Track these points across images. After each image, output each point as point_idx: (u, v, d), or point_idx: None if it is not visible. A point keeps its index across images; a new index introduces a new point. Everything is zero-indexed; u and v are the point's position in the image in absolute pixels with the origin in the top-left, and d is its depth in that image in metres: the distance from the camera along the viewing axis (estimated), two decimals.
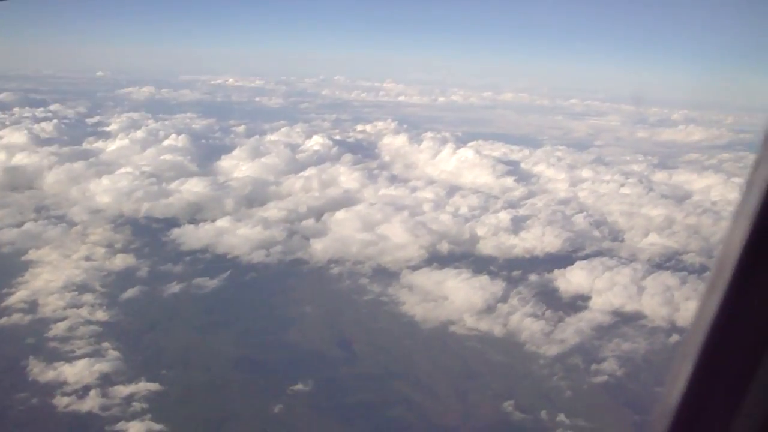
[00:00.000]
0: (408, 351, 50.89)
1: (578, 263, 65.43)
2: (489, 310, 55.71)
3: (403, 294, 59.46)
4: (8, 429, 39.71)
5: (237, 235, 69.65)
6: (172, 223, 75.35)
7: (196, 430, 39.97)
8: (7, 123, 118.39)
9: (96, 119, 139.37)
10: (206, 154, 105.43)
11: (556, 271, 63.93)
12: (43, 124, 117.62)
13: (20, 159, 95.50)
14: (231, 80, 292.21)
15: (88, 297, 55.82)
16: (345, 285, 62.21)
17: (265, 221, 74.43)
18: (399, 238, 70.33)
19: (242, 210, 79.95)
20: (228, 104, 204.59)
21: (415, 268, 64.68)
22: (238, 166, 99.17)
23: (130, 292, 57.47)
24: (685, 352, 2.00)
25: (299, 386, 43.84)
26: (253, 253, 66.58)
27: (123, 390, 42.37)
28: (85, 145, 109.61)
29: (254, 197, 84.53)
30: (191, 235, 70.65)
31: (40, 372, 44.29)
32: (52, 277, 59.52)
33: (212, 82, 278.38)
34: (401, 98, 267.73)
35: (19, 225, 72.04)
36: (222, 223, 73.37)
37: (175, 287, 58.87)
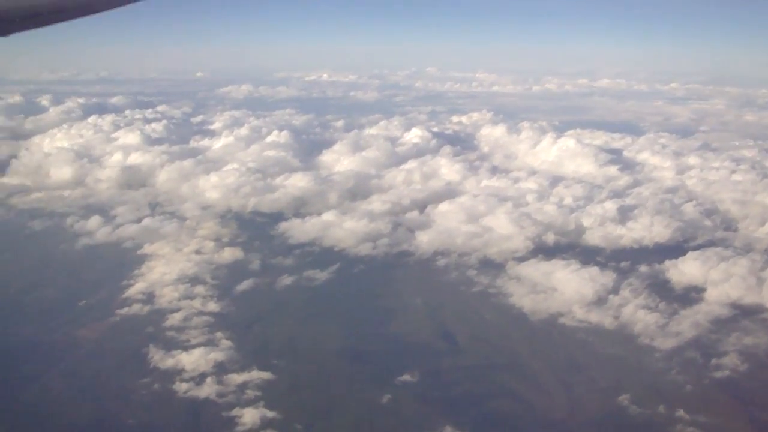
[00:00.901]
0: (517, 343, 50.36)
1: (690, 254, 63.17)
2: (600, 301, 54.55)
3: (510, 286, 59.01)
4: (134, 410, 41.55)
5: (343, 228, 70.95)
6: (278, 217, 77.62)
7: (307, 418, 40.66)
8: (122, 125, 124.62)
9: (200, 118, 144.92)
10: (308, 149, 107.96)
11: (667, 262, 61.91)
12: (154, 125, 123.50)
13: (135, 158, 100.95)
14: (325, 76, 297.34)
15: (200, 289, 58.18)
16: (452, 277, 62.26)
17: (370, 214, 75.44)
18: (504, 229, 69.92)
19: (346, 203, 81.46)
20: (324, 99, 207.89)
21: (521, 259, 64.18)
22: (340, 161, 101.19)
23: (244, 284, 59.52)
24: None
25: (406, 377, 44.36)
26: (360, 245, 67.73)
27: (237, 378, 43.95)
28: (192, 144, 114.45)
29: (357, 190, 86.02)
30: (298, 229, 72.42)
31: (160, 359, 46.58)
32: (166, 270, 62.38)
33: (306, 79, 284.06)
34: (495, 88, 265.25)
35: (137, 221, 76.07)
36: (328, 216, 74.80)
37: (287, 279, 60.57)
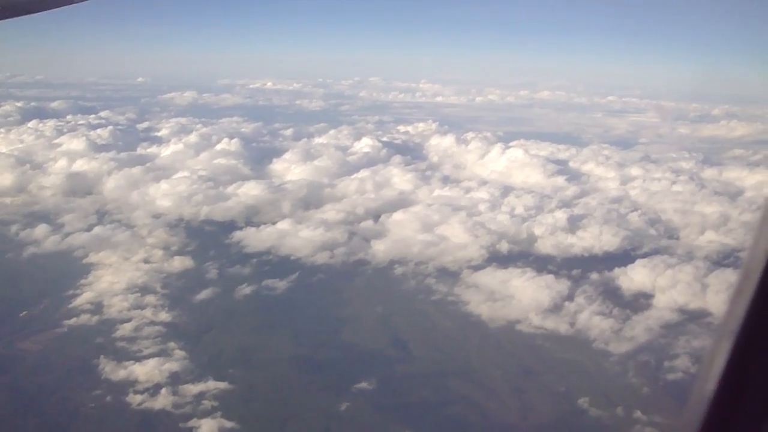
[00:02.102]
0: (474, 350, 51.03)
1: (639, 261, 65.05)
2: (556, 308, 55.71)
3: (468, 294, 59.57)
4: (85, 425, 40.59)
5: (299, 237, 70.52)
6: (231, 226, 76.45)
7: (265, 427, 40.41)
8: (64, 130, 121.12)
9: (146, 125, 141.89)
10: (258, 157, 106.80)
11: (617, 270, 63.59)
12: (99, 131, 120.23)
13: (80, 165, 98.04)
14: (269, 83, 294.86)
15: (150, 298, 57.23)
16: (410, 285, 62.57)
17: (325, 223, 75.23)
18: (458, 238, 70.61)
19: (299, 212, 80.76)
20: (270, 107, 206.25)
21: (476, 267, 64.79)
22: (291, 169, 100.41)
23: (203, 294, 58.70)
24: (717, 349, 2.04)
25: (363, 384, 44.59)
26: (317, 254, 67.39)
27: (192, 388, 43.34)
28: (140, 151, 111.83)
29: (310, 199, 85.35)
30: (254, 238, 71.65)
31: (112, 371, 45.50)
32: (114, 279, 61.08)
33: (251, 86, 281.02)
34: (439, 98, 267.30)
35: (87, 229, 73.96)
36: (283, 225, 74.30)
37: (246, 289, 59.90)
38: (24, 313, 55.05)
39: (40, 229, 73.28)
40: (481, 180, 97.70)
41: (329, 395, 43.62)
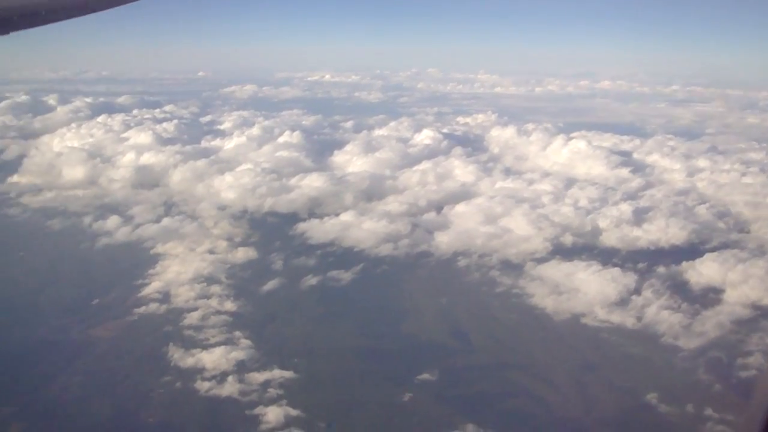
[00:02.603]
0: (539, 343, 50.57)
1: (708, 255, 63.21)
2: (622, 302, 54.73)
3: (532, 286, 59.13)
4: (154, 409, 41.71)
5: (362, 229, 71.02)
6: (294, 217, 77.63)
7: (329, 416, 40.67)
8: (131, 124, 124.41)
9: (209, 118, 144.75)
10: (319, 149, 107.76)
11: (685, 264, 61.96)
12: (165, 125, 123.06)
13: (148, 158, 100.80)
14: (327, 76, 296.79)
15: (216, 288, 58.36)
16: (474, 277, 62.32)
17: (388, 215, 75.48)
18: (522, 230, 70.12)
19: (362, 204, 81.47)
20: (329, 100, 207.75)
21: (540, 260, 64.21)
22: (352, 161, 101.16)
23: (269, 284, 59.64)
24: None
25: (426, 376, 44.53)
26: (380, 246, 67.76)
27: (258, 377, 44.10)
28: (204, 144, 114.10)
29: (372, 191, 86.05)
30: (318, 229, 72.44)
31: (180, 358, 46.74)
32: (181, 269, 62.64)
33: (309, 79, 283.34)
34: (497, 89, 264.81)
35: (156, 221, 76.16)
36: (346, 217, 74.92)
37: (311, 280, 60.65)
38: (96, 301, 56.85)
39: (112, 221, 75.92)
40: (544, 172, 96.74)
41: (392, 386, 43.79)
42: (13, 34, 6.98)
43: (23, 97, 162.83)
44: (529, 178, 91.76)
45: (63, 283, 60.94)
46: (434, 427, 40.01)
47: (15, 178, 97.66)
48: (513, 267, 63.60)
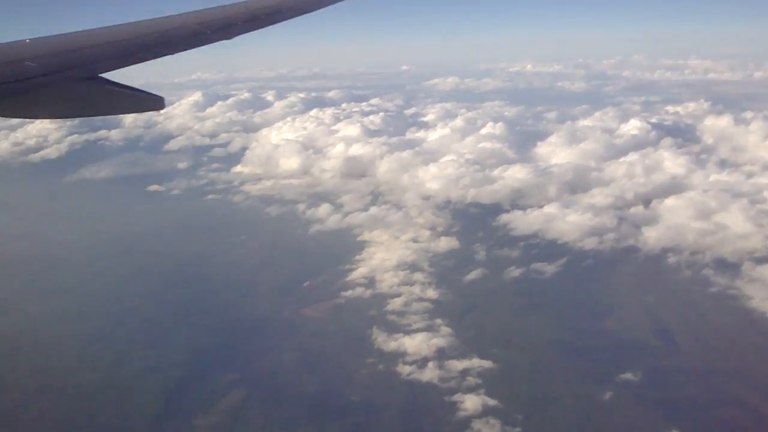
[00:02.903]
0: (759, 350, 46.42)
1: None
2: None
3: (751, 288, 54.52)
4: (357, 388, 43.32)
5: (567, 222, 69.47)
6: (496, 208, 77.75)
7: (527, 409, 40.02)
8: (341, 117, 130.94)
9: (412, 110, 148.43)
10: (522, 141, 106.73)
11: None
12: (371, 117, 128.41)
13: (356, 149, 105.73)
14: (529, 66, 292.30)
15: (418, 276, 59.93)
16: (685, 276, 58.72)
17: (593, 208, 73.35)
18: (740, 227, 64.82)
19: (566, 196, 79.85)
20: (531, 90, 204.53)
21: (761, 260, 58.91)
22: (556, 153, 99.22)
23: (472, 275, 60.21)
24: None
25: (628, 375, 42.59)
26: (585, 239, 65.94)
27: (458, 365, 44.56)
28: (408, 135, 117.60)
29: (577, 183, 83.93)
30: (521, 221, 72.02)
31: (383, 342, 48.50)
32: (386, 257, 64.97)
33: (510, 70, 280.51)
34: (710, 75, 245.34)
35: (364, 209, 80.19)
36: (550, 209, 73.65)
37: (514, 271, 60.41)
38: (307, 283, 60.45)
39: (323, 209, 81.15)
40: (765, 164, 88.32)
41: (591, 383, 42.48)
42: (236, 38, 8.04)
43: (245, 95, 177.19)
44: (748, 170, 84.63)
45: (278, 265, 65.66)
46: (635, 429, 38.54)
47: (238, 168, 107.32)
48: (729, 266, 58.92)
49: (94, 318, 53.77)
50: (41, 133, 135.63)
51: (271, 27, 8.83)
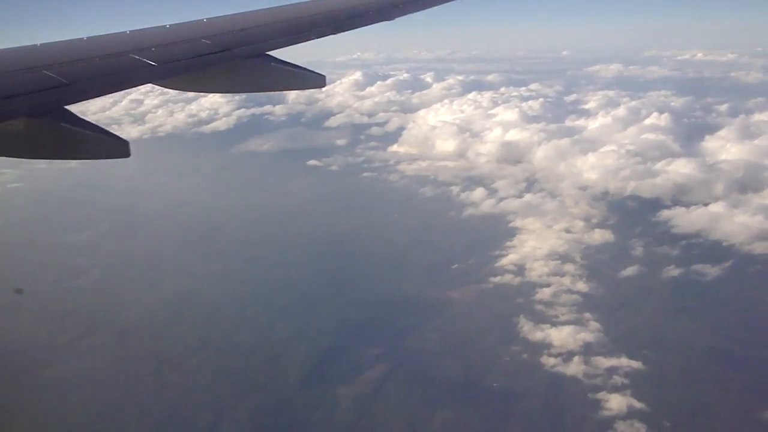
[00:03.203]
0: None
1: None
2: None
3: None
4: (498, 375, 43.17)
5: (734, 222, 65.58)
6: (656, 203, 74.39)
7: (674, 416, 38.19)
8: (499, 102, 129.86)
9: (573, 97, 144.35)
10: (689, 133, 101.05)
11: None
12: (530, 103, 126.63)
13: (513, 135, 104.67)
14: (699, 54, 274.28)
15: (569, 267, 58.69)
16: None
17: (765, 209, 68.42)
18: None
19: (734, 195, 74.87)
20: (701, 80, 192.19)
21: None
22: (726, 148, 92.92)
23: (628, 270, 58.05)
24: None
25: None
26: (754, 243, 61.68)
27: (604, 362, 43.32)
28: (568, 123, 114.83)
29: (748, 182, 78.11)
30: (683, 218, 68.68)
31: (529, 331, 48.04)
32: (537, 245, 64.12)
33: (678, 58, 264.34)
34: None
35: (518, 196, 79.64)
36: (716, 207, 69.90)
37: (673, 271, 57.65)
38: (455, 266, 60.85)
39: (477, 193, 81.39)
40: None
41: (751, 398, 39.95)
42: (397, 19, 8.29)
43: (405, 75, 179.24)
44: None
45: (428, 245, 66.43)
46: None
47: (395, 148, 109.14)
48: None
49: (251, 283, 56.97)
50: (212, 107, 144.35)
51: (431, 8, 9.02)
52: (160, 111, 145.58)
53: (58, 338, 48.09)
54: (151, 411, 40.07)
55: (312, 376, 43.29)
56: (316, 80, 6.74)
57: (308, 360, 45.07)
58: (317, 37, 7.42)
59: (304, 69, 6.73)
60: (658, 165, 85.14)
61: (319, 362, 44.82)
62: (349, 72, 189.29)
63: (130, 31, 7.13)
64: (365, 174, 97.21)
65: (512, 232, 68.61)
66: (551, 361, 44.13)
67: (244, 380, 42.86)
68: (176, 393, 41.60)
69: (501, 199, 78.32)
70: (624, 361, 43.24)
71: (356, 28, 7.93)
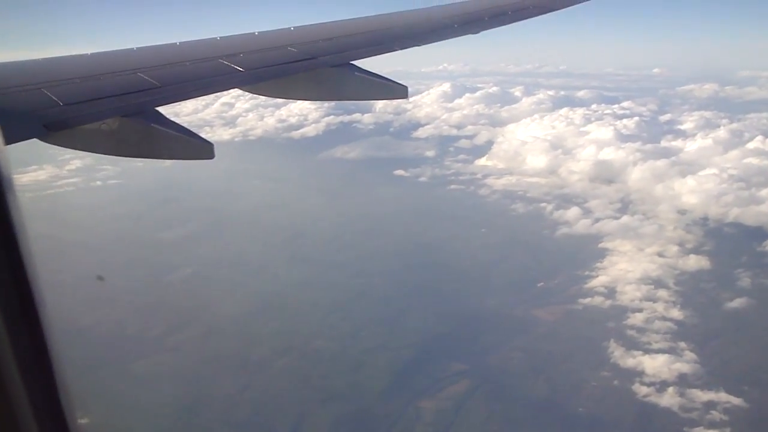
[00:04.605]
0: None
1: None
2: None
3: None
4: (585, 400, 41.89)
5: None
6: (760, 232, 70.32)
7: None
8: (592, 119, 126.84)
9: (667, 117, 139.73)
10: None
11: None
12: (625, 121, 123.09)
13: (607, 153, 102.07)
14: None
15: (663, 293, 56.46)
16: None
17: None
18: None
19: None
20: None
21: None
22: None
23: (727, 300, 55.19)
24: None
25: None
26: None
27: (701, 395, 41.51)
28: (664, 143, 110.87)
29: None
30: None
31: (620, 357, 46.44)
32: (629, 268, 61.91)
33: None
34: None
35: (615, 217, 76.90)
36: None
37: None
38: (541, 284, 59.49)
39: (572, 212, 79.43)
40: None
41: None
42: (483, 33, 8.29)
43: (493, 89, 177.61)
44: None
45: (514, 262, 65.15)
46: None
47: (483, 161, 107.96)
48: None
49: (335, 290, 57.06)
50: (302, 113, 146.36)
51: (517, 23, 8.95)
52: (250, 115, 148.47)
53: (147, 332, 49.13)
54: (233, 411, 40.34)
55: (393, 387, 42.87)
56: (399, 91, 6.75)
57: (390, 371, 44.75)
58: (401, 49, 7.52)
59: (387, 79, 6.74)
60: (764, 192, 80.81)
61: (401, 374, 44.44)
62: (436, 83, 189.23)
63: (220, 37, 7.48)
64: (452, 186, 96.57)
65: (601, 253, 66.80)
66: (644, 389, 42.65)
67: (326, 387, 42.83)
68: (258, 395, 41.87)
69: (597, 220, 76.38)
70: (723, 396, 41.37)
71: (440, 40, 8.05)
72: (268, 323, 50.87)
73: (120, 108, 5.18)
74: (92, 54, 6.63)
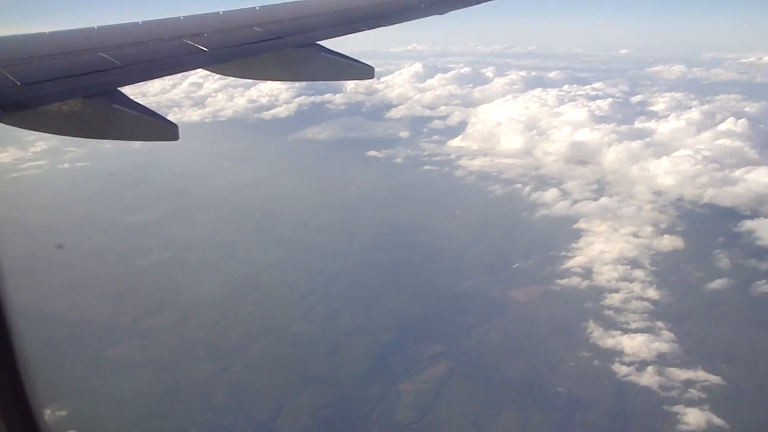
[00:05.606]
0: None
1: None
2: None
3: None
4: (564, 380, 41.83)
5: None
6: (735, 213, 70.81)
7: None
8: (565, 100, 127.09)
9: (638, 98, 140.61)
10: (766, 141, 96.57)
11: None
12: (598, 102, 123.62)
13: (582, 135, 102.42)
14: (766, 58, 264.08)
15: (639, 273, 56.54)
16: None
17: None
18: None
19: None
20: None
21: None
22: None
23: (702, 280, 55.47)
24: None
25: None
26: None
27: (679, 374, 41.68)
28: (637, 124, 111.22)
29: None
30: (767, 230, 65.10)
31: (599, 337, 46.44)
32: (605, 248, 62.00)
33: (743, 60, 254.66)
34: None
35: (593, 199, 76.64)
36: None
37: (764, 286, 53.87)
38: (516, 265, 59.42)
39: (550, 193, 79.13)
40: None
41: None
42: (450, 13, 8.34)
43: (465, 69, 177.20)
44: None
45: (490, 242, 64.95)
46: None
47: (456, 142, 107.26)
48: None
49: (310, 272, 56.22)
50: (273, 93, 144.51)
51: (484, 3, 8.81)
52: (219, 95, 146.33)
53: (119, 318, 48.02)
54: (211, 396, 39.65)
55: (373, 370, 42.47)
56: (366, 72, 6.74)
57: (369, 354, 44.34)
58: (368, 29, 7.52)
59: (354, 60, 6.71)
60: (737, 173, 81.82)
61: (380, 356, 44.00)
62: (406, 63, 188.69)
63: (184, 16, 7.32)
64: (426, 167, 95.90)
65: (576, 234, 66.87)
66: (623, 369, 42.78)
67: (304, 371, 42.21)
68: (236, 379, 41.21)
69: (575, 201, 76.07)
70: (701, 375, 41.62)
71: (407, 20, 8.01)
72: (244, 307, 50.07)
73: (81, 88, 5.07)
74: (51, 33, 6.41)
